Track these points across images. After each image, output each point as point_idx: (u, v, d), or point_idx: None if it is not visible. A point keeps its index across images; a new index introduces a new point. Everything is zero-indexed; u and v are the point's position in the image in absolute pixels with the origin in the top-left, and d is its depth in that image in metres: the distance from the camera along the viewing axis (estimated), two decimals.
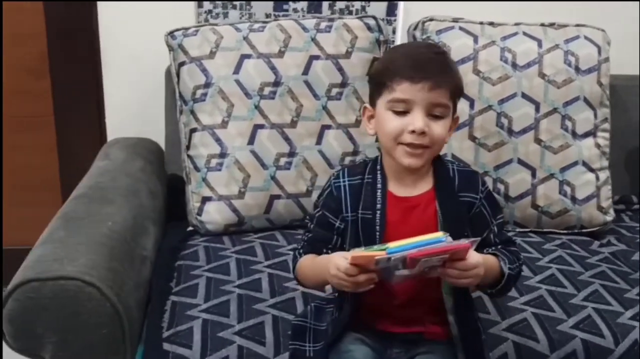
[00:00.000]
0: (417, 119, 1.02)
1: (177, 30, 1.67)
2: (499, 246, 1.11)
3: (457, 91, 1.08)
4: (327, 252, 1.10)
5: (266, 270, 1.41)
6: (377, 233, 1.06)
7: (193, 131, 1.63)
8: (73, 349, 1.13)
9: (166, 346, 1.17)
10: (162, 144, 1.85)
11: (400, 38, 1.97)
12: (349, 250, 1.02)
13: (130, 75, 1.92)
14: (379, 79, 1.07)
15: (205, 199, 1.60)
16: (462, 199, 1.09)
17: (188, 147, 1.64)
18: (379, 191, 1.08)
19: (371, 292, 0.99)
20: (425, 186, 1.10)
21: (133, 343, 1.17)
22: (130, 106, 1.95)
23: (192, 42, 1.64)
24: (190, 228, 1.63)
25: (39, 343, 1.13)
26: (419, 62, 1.04)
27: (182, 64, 1.64)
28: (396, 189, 1.10)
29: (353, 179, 1.11)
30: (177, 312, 1.25)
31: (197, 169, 1.62)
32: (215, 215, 1.60)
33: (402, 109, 1.04)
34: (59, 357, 1.14)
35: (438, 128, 1.04)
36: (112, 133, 1.96)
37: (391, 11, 1.97)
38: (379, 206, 1.07)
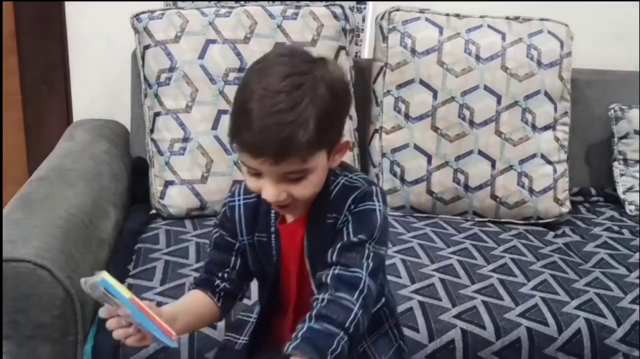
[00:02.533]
0: (266, 191, 0.88)
1: (143, 12, 1.67)
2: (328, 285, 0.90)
3: (319, 139, 0.86)
4: (224, 277, 1.02)
5: None
6: (274, 257, 0.99)
7: (157, 114, 1.64)
8: (25, 329, 1.15)
9: None
10: (129, 127, 1.86)
11: (369, 26, 1.99)
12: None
13: (97, 57, 1.92)
14: (230, 137, 0.89)
15: (167, 183, 1.62)
16: (328, 220, 0.94)
17: (152, 131, 1.65)
18: (272, 213, 0.98)
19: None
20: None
21: (85, 325, 1.19)
22: (98, 88, 1.95)
23: (158, 25, 1.64)
24: (152, 211, 1.65)
25: None
26: (258, 132, 0.83)
27: (147, 47, 1.64)
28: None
29: (248, 197, 1.00)
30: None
31: (160, 152, 1.63)
32: (177, 199, 1.62)
33: (254, 172, 0.89)
34: (11, 337, 1.16)
35: (299, 189, 0.89)
36: (78, 114, 1.96)
37: None
38: (272, 228, 0.98)
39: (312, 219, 0.96)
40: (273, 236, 0.98)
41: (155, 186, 1.63)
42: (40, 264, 1.13)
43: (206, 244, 1.41)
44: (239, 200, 1.01)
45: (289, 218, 0.98)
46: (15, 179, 1.90)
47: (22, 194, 1.37)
